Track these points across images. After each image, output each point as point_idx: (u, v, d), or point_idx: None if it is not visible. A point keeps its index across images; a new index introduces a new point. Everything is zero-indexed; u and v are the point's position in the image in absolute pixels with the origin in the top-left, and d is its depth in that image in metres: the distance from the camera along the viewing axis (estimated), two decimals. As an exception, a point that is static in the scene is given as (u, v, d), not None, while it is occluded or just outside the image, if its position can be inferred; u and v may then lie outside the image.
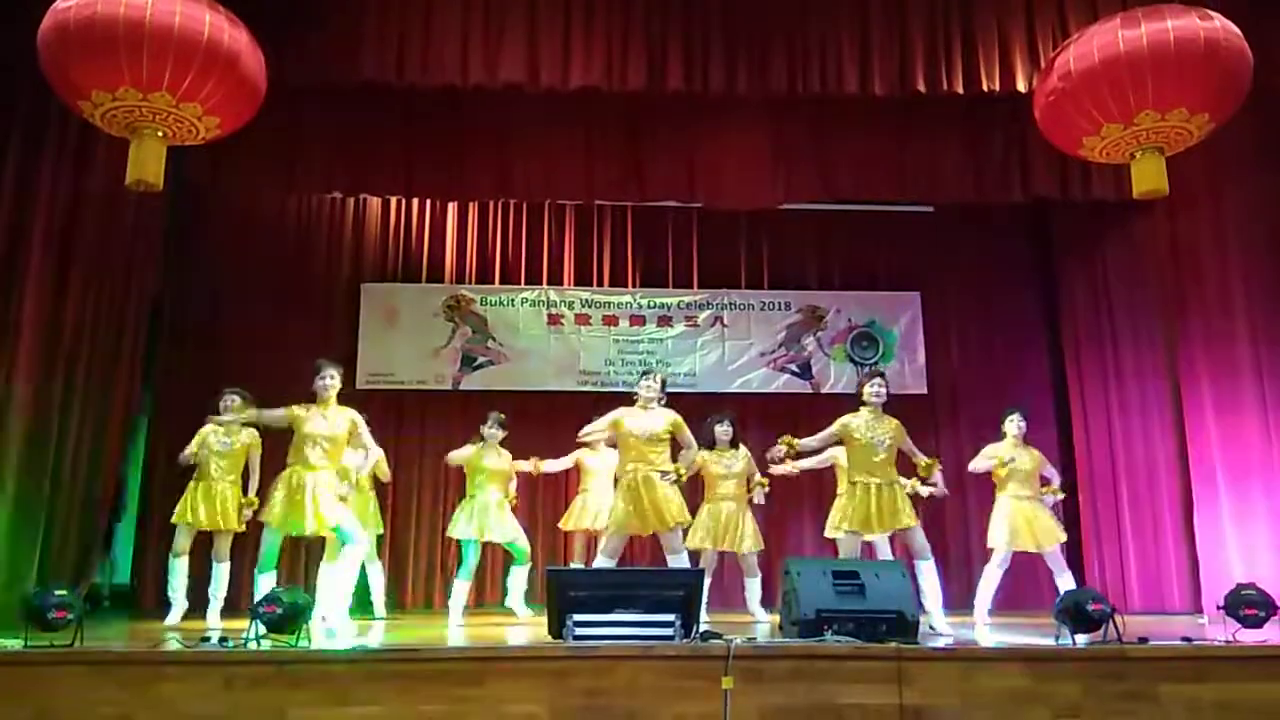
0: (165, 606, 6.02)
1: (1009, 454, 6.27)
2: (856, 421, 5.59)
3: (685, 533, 5.84)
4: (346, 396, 8.06)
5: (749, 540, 6.43)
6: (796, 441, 5.62)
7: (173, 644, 4.07)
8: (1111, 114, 4.96)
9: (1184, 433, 6.97)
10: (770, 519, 7.37)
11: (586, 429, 5.73)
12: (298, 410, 5.51)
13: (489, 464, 6.50)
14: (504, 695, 3.76)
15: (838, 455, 6.49)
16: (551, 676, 3.81)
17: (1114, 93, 4.89)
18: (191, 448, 5.98)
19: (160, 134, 4.83)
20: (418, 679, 3.78)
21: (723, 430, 6.50)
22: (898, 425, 5.63)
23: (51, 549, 5.87)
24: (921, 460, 5.67)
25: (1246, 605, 4.52)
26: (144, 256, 6.78)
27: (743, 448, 6.59)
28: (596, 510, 6.87)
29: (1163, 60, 4.77)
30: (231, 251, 8.37)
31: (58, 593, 4.13)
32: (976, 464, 6.38)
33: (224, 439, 6.01)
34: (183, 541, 5.93)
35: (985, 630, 5.73)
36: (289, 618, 4.08)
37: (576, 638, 4.02)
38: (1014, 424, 6.39)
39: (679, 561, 5.42)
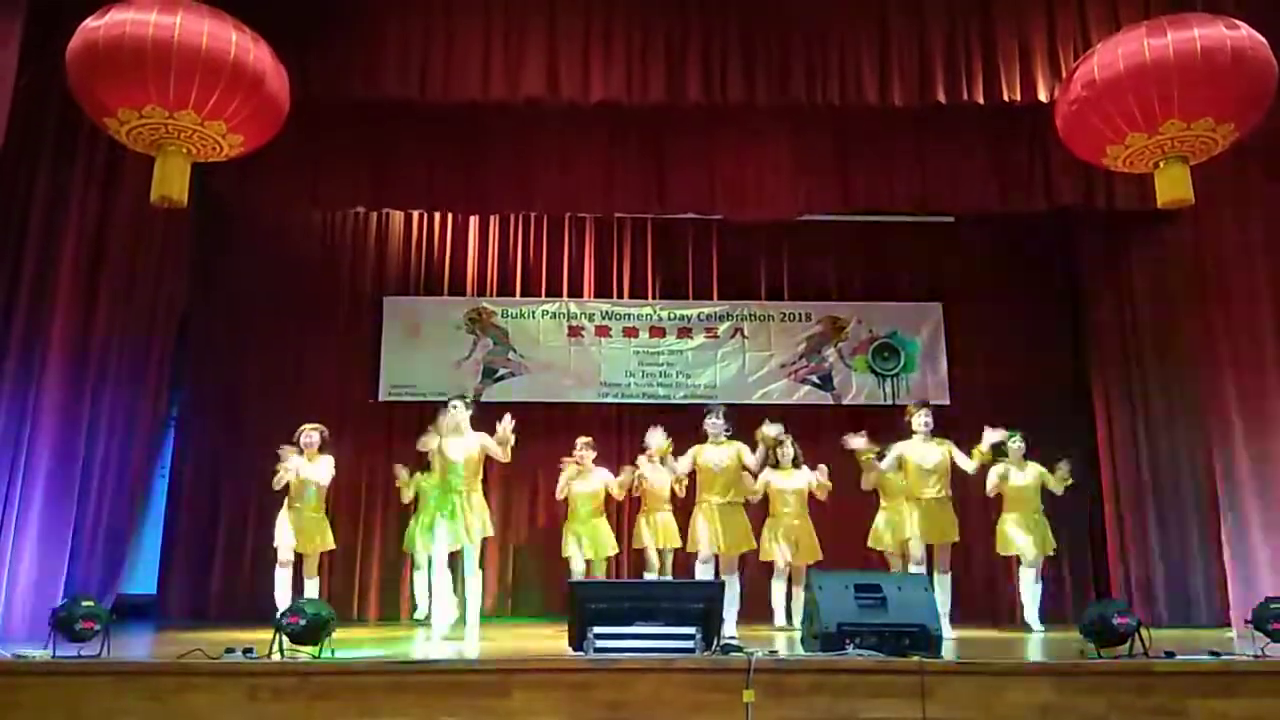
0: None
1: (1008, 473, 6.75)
2: (910, 448, 6.42)
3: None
4: (369, 409, 8.36)
5: (805, 552, 6.73)
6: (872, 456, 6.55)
7: (199, 655, 4.10)
8: (1136, 123, 4.92)
9: (1210, 444, 6.89)
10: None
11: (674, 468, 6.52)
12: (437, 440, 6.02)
13: None
14: (525, 707, 3.77)
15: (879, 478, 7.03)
16: (572, 689, 3.82)
17: (1139, 102, 4.86)
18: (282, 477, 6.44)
19: (185, 151, 4.88)
20: (440, 690, 3.80)
21: (783, 451, 6.75)
22: (948, 446, 6.45)
23: (79, 559, 5.94)
24: (971, 464, 6.42)
25: (1275, 619, 4.45)
26: (171, 271, 6.88)
27: (804, 467, 6.87)
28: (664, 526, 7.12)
29: (1189, 69, 4.73)
30: (256, 266, 8.45)
31: (85, 603, 4.18)
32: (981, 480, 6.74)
33: (311, 469, 6.48)
34: (285, 557, 6.48)
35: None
36: (313, 629, 4.11)
37: (597, 650, 4.02)
38: (1017, 448, 6.79)
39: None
